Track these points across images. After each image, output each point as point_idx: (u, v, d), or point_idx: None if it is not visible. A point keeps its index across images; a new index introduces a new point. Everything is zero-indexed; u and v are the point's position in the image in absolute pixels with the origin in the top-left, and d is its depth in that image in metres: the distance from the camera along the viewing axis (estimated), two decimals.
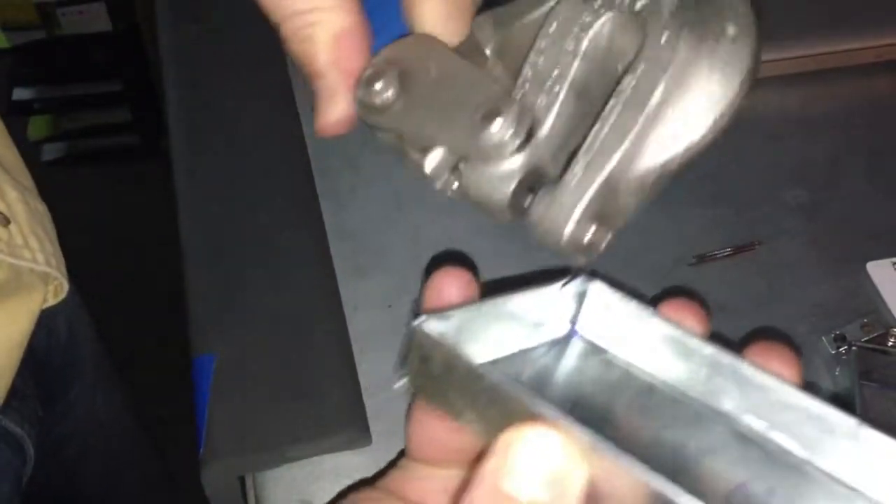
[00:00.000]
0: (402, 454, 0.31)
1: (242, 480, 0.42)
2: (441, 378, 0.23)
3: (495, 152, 0.25)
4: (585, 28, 0.25)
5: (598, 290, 0.27)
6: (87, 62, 1.69)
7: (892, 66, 0.55)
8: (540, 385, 0.26)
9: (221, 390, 0.42)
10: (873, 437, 0.23)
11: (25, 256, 0.47)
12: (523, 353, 0.27)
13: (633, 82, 0.24)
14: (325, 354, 0.42)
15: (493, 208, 0.25)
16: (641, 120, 0.24)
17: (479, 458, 0.21)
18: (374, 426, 0.40)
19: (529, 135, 0.25)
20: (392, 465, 0.31)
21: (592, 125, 0.24)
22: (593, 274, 0.28)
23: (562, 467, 0.20)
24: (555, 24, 0.25)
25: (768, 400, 0.25)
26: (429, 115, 0.26)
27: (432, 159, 0.26)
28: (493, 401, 0.22)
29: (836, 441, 0.23)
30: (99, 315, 0.61)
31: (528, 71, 0.26)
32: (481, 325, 0.26)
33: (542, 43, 0.25)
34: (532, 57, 0.26)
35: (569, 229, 0.24)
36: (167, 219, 0.51)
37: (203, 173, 0.52)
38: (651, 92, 0.23)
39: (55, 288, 0.51)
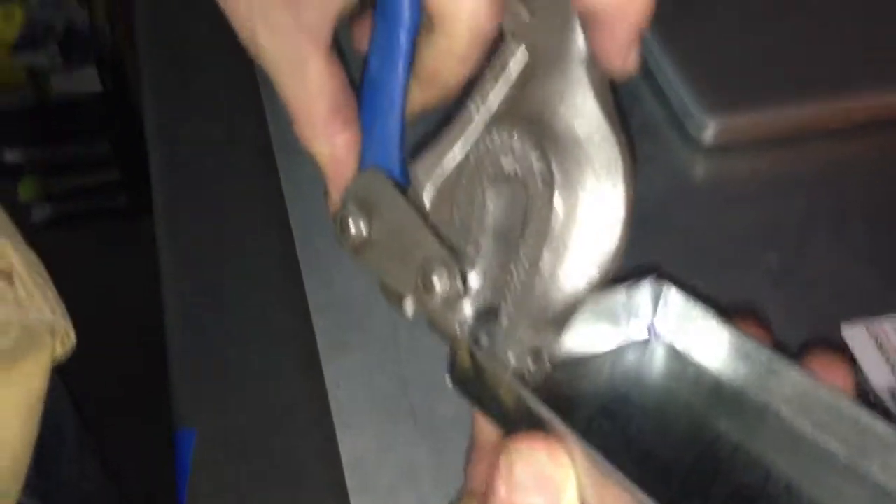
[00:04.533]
0: None
1: None
2: (482, 382, 0.27)
3: (442, 309, 0.28)
4: (488, 186, 0.28)
5: (673, 293, 0.30)
6: (76, 123, 1.71)
7: (859, 131, 0.57)
8: (627, 386, 0.29)
9: (202, 465, 0.42)
10: None
11: (33, 310, 0.47)
12: (605, 353, 0.30)
13: (528, 243, 0.27)
14: (306, 431, 0.43)
15: (453, 343, 0.29)
16: (544, 273, 0.27)
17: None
18: (357, 501, 0.40)
19: (465, 282, 0.28)
20: None
21: (516, 259, 0.27)
22: (661, 276, 0.31)
23: (552, 476, 0.23)
24: (464, 181, 0.28)
25: (821, 406, 0.27)
26: (387, 265, 0.30)
27: (408, 307, 0.30)
28: (522, 410, 0.25)
29: (880, 449, 0.26)
30: (81, 383, 0.61)
31: (455, 219, 0.29)
32: None
33: (458, 196, 0.29)
34: (455, 208, 0.29)
35: (512, 364, 0.27)
36: (154, 281, 0.51)
37: (185, 243, 0.53)
38: (540, 253, 0.26)
39: (62, 338, 0.50)
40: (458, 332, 0.29)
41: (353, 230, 0.31)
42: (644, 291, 0.30)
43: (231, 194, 0.56)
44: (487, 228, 0.28)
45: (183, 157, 0.59)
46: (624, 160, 0.26)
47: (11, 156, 1.69)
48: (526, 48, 0.27)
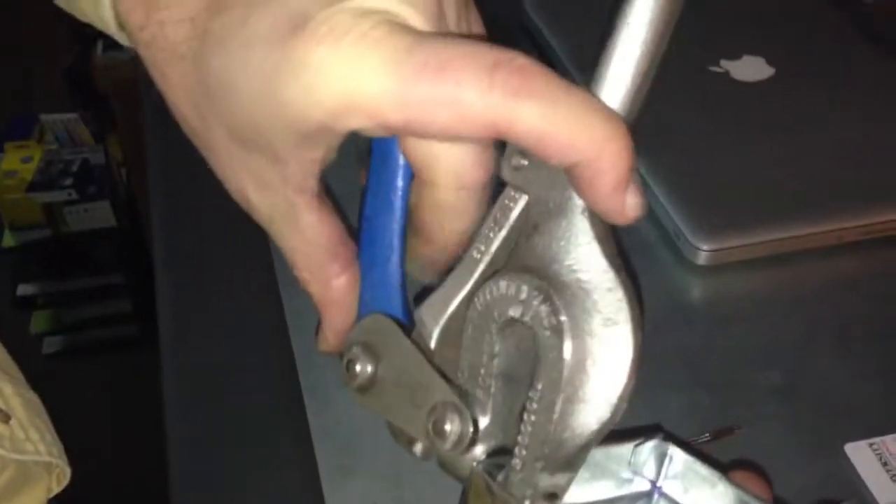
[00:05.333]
0: None
1: None
2: None
3: (453, 452, 0.28)
4: (495, 333, 0.28)
5: (677, 453, 0.31)
6: (89, 257, 1.74)
7: (853, 249, 0.58)
8: None
9: None
10: None
11: (28, 450, 0.48)
12: (610, 502, 0.31)
13: (539, 391, 0.27)
14: None
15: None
16: (556, 418, 0.27)
17: None
18: None
19: (476, 428, 0.28)
20: None
21: (527, 404, 0.28)
22: (667, 436, 0.32)
23: None
24: (471, 328, 0.29)
25: None
26: (396, 408, 0.30)
27: (419, 449, 0.30)
28: None
29: None
30: None
31: (463, 364, 0.29)
32: None
33: (466, 342, 0.29)
34: (462, 353, 0.29)
35: None
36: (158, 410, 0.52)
37: (188, 373, 0.54)
38: (551, 400, 0.27)
39: (58, 476, 0.51)
40: (474, 467, 0.29)
41: (359, 373, 0.31)
42: (648, 450, 0.31)
43: (235, 323, 0.57)
44: (496, 372, 0.28)
45: (190, 286, 0.60)
46: (631, 306, 0.27)
47: (24, 290, 1.72)
48: (528, 197, 0.28)
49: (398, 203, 0.31)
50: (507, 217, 0.28)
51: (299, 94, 0.25)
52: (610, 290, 0.26)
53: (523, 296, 0.27)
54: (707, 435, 0.48)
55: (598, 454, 0.31)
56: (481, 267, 0.29)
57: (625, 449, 0.31)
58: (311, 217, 0.30)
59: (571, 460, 0.27)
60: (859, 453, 0.46)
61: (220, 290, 0.59)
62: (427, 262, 0.31)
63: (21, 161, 1.75)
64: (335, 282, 0.31)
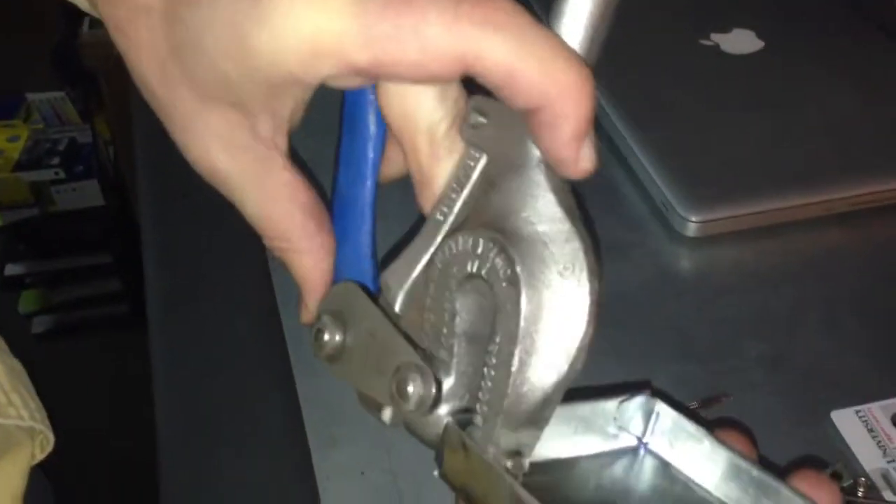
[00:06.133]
0: None
1: None
2: (469, 472, 0.27)
3: (417, 413, 0.28)
4: (455, 290, 0.28)
5: (664, 409, 0.31)
6: (78, 236, 1.73)
7: (841, 219, 0.58)
8: (615, 494, 0.30)
9: None
10: None
11: (11, 414, 0.48)
12: (595, 457, 0.31)
13: (497, 344, 0.27)
14: None
15: (433, 447, 0.29)
16: (514, 371, 0.27)
17: None
18: None
19: (438, 389, 0.28)
20: None
21: (488, 360, 0.28)
22: (654, 393, 0.32)
23: None
24: (432, 288, 0.29)
25: None
26: (363, 374, 0.30)
27: (387, 414, 0.30)
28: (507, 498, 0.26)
29: None
30: (70, 496, 0.61)
31: (426, 325, 0.29)
32: (554, 425, 0.29)
33: (428, 302, 0.29)
34: (425, 314, 0.29)
35: (491, 462, 0.27)
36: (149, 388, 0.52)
37: (177, 349, 0.54)
38: (509, 353, 0.27)
39: (41, 442, 0.51)
40: (448, 422, 0.29)
41: (327, 342, 0.31)
42: (636, 406, 0.31)
43: (224, 299, 0.57)
44: (458, 332, 0.28)
45: (179, 268, 0.60)
46: (587, 257, 0.27)
47: (12, 269, 1.71)
48: (486, 155, 0.28)
49: (369, 174, 0.31)
50: (468, 177, 0.28)
51: (267, 42, 0.25)
52: (567, 240, 0.26)
53: (480, 249, 0.27)
54: (696, 403, 0.48)
55: (584, 409, 0.31)
56: (445, 229, 0.29)
57: (611, 405, 0.31)
58: (285, 175, 0.29)
59: (534, 416, 0.27)
60: (846, 420, 0.46)
61: (208, 268, 0.59)
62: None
63: (8, 140, 1.74)
64: (315, 245, 0.31)
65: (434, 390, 0.28)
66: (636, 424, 0.32)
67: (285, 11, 0.24)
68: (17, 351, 0.53)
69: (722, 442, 0.30)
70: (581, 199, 0.28)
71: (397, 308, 0.30)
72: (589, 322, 0.26)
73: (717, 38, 0.68)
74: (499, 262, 0.27)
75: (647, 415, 0.31)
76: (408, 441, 0.45)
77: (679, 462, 0.31)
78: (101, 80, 1.68)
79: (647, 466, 0.31)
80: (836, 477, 0.43)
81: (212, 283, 0.58)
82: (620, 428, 0.31)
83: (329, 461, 0.45)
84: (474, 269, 0.27)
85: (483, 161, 0.28)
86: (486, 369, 0.27)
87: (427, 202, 0.29)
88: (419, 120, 0.28)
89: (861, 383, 0.49)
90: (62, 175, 1.70)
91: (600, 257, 0.27)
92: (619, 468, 0.31)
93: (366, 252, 0.32)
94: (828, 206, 0.58)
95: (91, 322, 1.75)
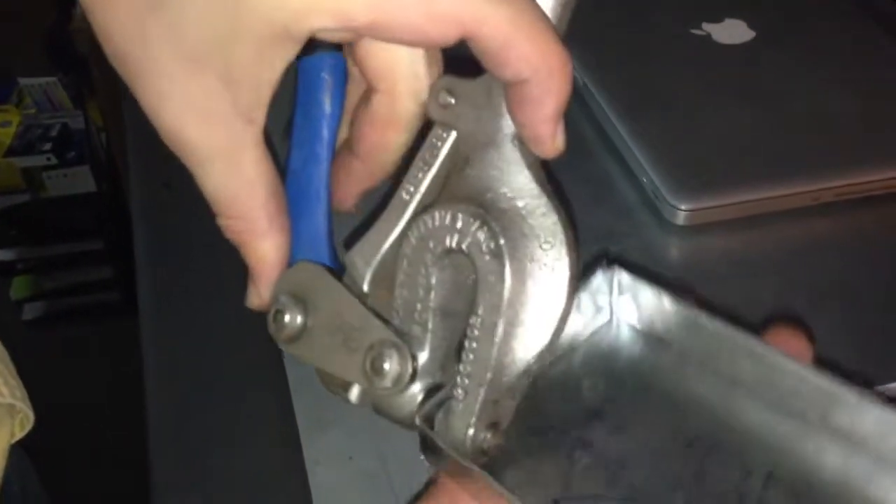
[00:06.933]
0: None
1: None
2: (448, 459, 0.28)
3: (392, 391, 0.28)
4: (431, 266, 0.28)
5: (623, 276, 0.32)
6: (70, 222, 1.73)
7: (827, 209, 0.58)
8: (609, 372, 0.31)
9: None
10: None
11: None
12: (577, 339, 0.31)
13: (480, 316, 0.27)
14: None
15: (404, 425, 0.30)
16: (498, 342, 0.27)
17: None
18: None
19: (415, 365, 0.28)
20: None
21: (465, 333, 0.28)
22: (612, 262, 0.32)
23: None
24: (405, 263, 0.29)
25: (776, 375, 0.29)
26: (328, 354, 0.29)
27: (354, 394, 0.30)
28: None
29: (841, 413, 0.28)
30: (61, 482, 0.61)
31: (398, 302, 0.29)
32: None
33: (401, 278, 0.29)
34: (397, 291, 0.29)
35: (469, 442, 0.28)
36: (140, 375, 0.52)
37: (168, 333, 0.54)
38: (493, 324, 0.27)
39: (21, 420, 0.51)
40: (404, 413, 0.29)
41: (287, 324, 0.30)
42: (599, 280, 0.32)
43: (214, 284, 0.57)
44: (433, 306, 0.29)
45: (170, 256, 0.60)
46: (566, 232, 0.27)
47: (4, 255, 1.71)
48: (456, 133, 0.28)
49: (325, 154, 0.31)
50: (435, 156, 0.29)
51: None
52: (544, 214, 0.27)
53: (459, 224, 0.27)
54: None
55: None
56: (412, 206, 0.29)
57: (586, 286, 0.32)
58: (257, 153, 0.28)
59: (514, 386, 0.28)
60: None
61: (199, 256, 0.59)
62: (368, 184, 0.31)
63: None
64: (272, 229, 0.30)
65: (410, 366, 0.28)
66: (604, 297, 0.32)
67: None
68: (8, 337, 0.54)
69: (682, 299, 0.30)
70: (552, 173, 0.28)
71: (365, 287, 0.30)
72: (570, 293, 0.27)
73: (708, 27, 0.68)
74: (481, 235, 0.27)
75: (611, 285, 0.32)
76: (398, 428, 0.46)
77: (648, 324, 0.31)
78: (91, 64, 1.68)
79: (623, 336, 0.32)
80: None
81: (203, 270, 0.58)
82: (597, 307, 0.32)
83: (318, 446, 0.46)
84: (454, 244, 0.28)
85: (452, 139, 0.28)
86: (467, 342, 0.27)
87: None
88: (403, 72, 0.28)
89: (849, 374, 0.49)
90: (54, 161, 1.70)
91: (577, 232, 0.28)
92: (603, 344, 0.32)
93: (321, 232, 0.32)
94: (815, 196, 0.58)
95: (82, 309, 1.74)
